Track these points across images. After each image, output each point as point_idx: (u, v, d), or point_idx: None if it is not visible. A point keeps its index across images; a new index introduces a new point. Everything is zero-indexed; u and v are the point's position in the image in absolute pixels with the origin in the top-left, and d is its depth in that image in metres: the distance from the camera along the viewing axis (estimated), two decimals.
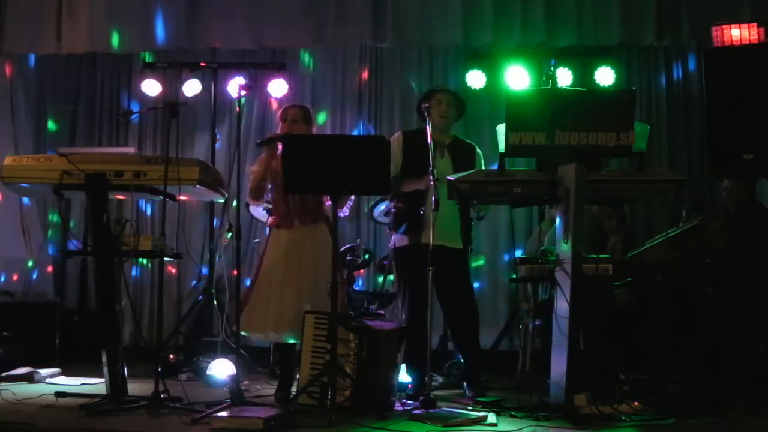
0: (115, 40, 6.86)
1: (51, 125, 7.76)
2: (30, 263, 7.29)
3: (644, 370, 4.94)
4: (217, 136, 7.22)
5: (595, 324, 4.92)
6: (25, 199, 7.17)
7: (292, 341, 4.82)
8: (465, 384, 5.12)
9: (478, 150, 5.23)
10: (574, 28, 6.49)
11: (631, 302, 5.43)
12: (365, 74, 7.45)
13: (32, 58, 7.53)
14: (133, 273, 7.48)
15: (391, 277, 6.10)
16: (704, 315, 4.81)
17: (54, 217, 7.50)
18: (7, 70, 7.34)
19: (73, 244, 7.16)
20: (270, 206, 5.13)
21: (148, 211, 7.59)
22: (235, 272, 4.80)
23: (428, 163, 4.65)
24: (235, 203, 5.14)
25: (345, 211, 4.90)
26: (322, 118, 7.40)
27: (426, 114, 4.88)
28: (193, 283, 7.39)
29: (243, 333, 4.71)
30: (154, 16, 6.78)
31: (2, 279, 7.15)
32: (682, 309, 4.87)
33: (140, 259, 7.40)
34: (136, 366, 4.77)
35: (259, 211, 6.17)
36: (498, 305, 7.01)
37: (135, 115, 7.36)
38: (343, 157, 4.30)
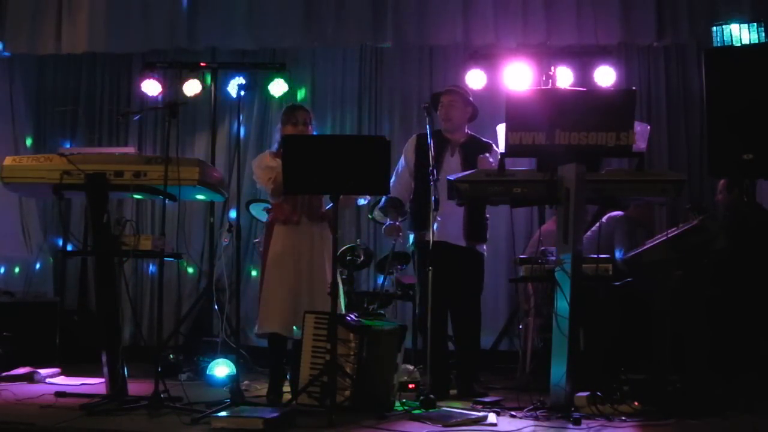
0: (114, 39, 6.86)
1: (50, 126, 7.76)
2: (29, 263, 7.29)
3: (644, 370, 4.94)
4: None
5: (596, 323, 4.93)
6: (25, 199, 7.17)
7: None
8: (457, 383, 5.16)
9: (495, 148, 5.17)
10: (574, 28, 6.49)
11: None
12: (365, 75, 7.46)
13: (32, 58, 7.53)
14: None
15: (392, 276, 6.13)
16: (704, 315, 4.81)
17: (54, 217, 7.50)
18: (7, 70, 7.35)
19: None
20: (269, 206, 5.13)
21: (149, 211, 7.60)
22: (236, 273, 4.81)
23: (430, 163, 4.71)
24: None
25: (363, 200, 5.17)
26: (321, 114, 7.41)
27: (426, 113, 4.91)
28: (201, 285, 7.37)
29: (267, 330, 4.76)
30: (154, 15, 6.77)
31: (2, 277, 7.15)
32: (681, 309, 4.87)
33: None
34: (136, 366, 4.77)
35: (259, 211, 6.18)
36: (498, 305, 7.01)
37: (136, 116, 7.35)
38: (343, 157, 4.30)
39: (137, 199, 6.92)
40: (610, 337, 5.00)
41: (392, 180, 5.23)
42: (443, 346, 5.25)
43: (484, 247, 5.28)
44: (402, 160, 5.31)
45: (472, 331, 5.22)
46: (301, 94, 7.44)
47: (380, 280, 6.50)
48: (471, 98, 5.35)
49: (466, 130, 5.30)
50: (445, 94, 5.29)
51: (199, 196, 5.24)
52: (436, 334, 4.96)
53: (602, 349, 4.90)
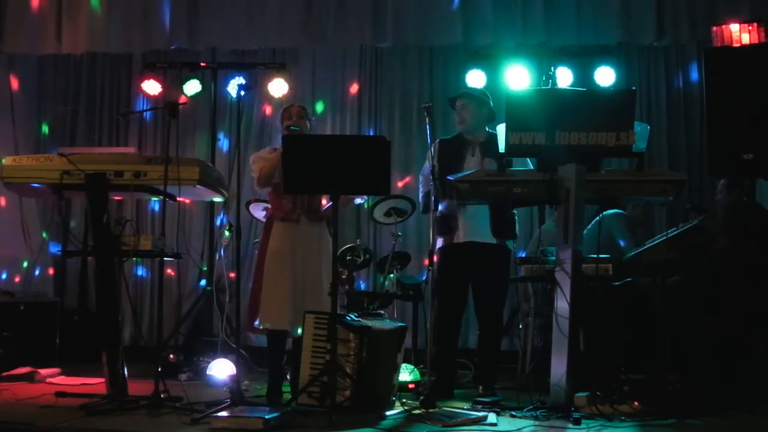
0: (114, 39, 6.86)
1: (50, 126, 7.76)
2: (29, 263, 7.29)
3: (644, 370, 4.94)
4: (219, 137, 7.25)
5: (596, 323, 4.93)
6: (25, 199, 7.15)
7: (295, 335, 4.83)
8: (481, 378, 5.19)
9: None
10: (574, 28, 6.49)
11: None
12: (365, 74, 7.46)
13: (32, 58, 7.52)
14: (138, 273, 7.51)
15: (392, 276, 6.13)
16: (704, 315, 4.81)
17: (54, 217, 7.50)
18: (7, 71, 7.35)
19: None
20: (269, 206, 5.13)
21: (148, 212, 7.60)
22: (233, 274, 4.80)
23: (431, 164, 4.73)
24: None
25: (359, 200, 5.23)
26: (321, 113, 7.41)
27: (426, 113, 4.92)
28: (202, 283, 7.36)
29: (261, 326, 4.78)
30: (154, 16, 6.77)
31: (2, 279, 7.14)
32: (681, 309, 4.87)
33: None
34: (136, 366, 4.77)
35: (259, 211, 6.18)
36: None
37: (126, 122, 7.36)
38: (344, 157, 4.30)
39: (137, 199, 6.91)
40: (610, 336, 5.01)
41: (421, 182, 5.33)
42: (454, 346, 5.25)
43: (513, 244, 5.28)
44: (426, 166, 5.28)
45: (491, 330, 5.22)
46: (320, 107, 7.46)
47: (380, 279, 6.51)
48: (488, 98, 5.33)
49: (486, 129, 5.29)
50: (459, 98, 5.32)
51: (200, 197, 5.24)
52: (449, 334, 5.04)
53: (602, 349, 4.90)
